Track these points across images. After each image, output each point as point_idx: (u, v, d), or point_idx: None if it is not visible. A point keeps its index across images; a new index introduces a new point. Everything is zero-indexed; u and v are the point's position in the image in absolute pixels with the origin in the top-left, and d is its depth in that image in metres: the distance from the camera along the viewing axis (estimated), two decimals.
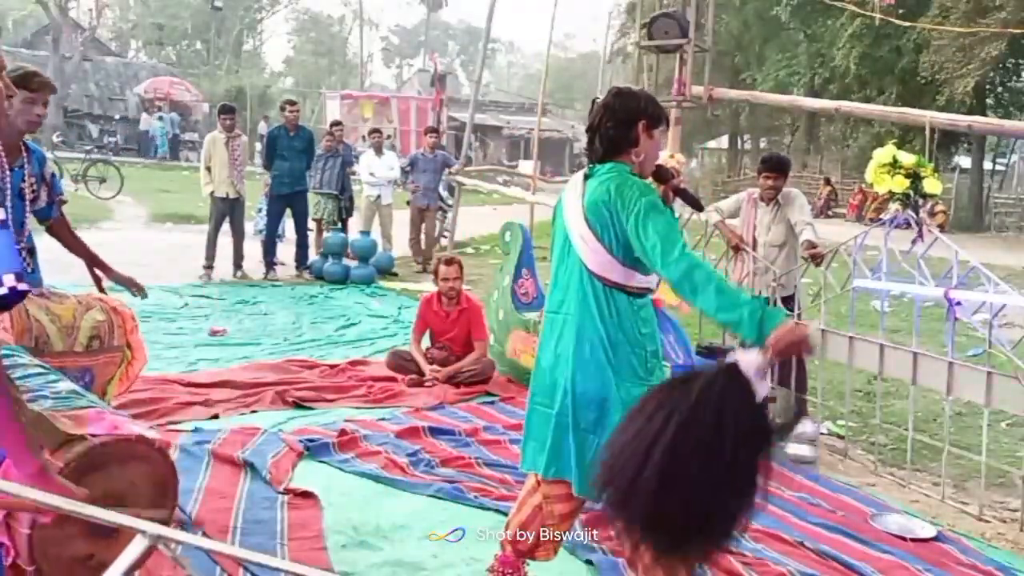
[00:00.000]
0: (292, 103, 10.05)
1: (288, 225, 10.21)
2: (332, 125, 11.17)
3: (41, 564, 2.10)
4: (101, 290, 3.55)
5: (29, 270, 3.32)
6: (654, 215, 2.38)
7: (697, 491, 2.08)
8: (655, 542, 2.21)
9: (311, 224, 10.38)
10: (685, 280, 2.29)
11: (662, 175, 2.73)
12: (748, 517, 2.21)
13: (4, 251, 1.67)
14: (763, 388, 2.15)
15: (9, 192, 3.20)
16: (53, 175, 3.53)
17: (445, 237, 11.86)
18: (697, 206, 2.75)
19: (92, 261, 3.57)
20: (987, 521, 3.99)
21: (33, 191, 3.33)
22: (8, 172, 3.20)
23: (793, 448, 4.72)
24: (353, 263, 9.80)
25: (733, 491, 2.13)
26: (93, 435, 2.19)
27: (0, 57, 2.00)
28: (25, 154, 3.31)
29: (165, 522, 2.29)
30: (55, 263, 3.62)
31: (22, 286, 1.65)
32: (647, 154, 2.54)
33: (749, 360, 2.16)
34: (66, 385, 2.46)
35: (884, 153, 4.38)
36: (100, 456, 2.18)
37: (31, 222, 3.40)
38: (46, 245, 3.58)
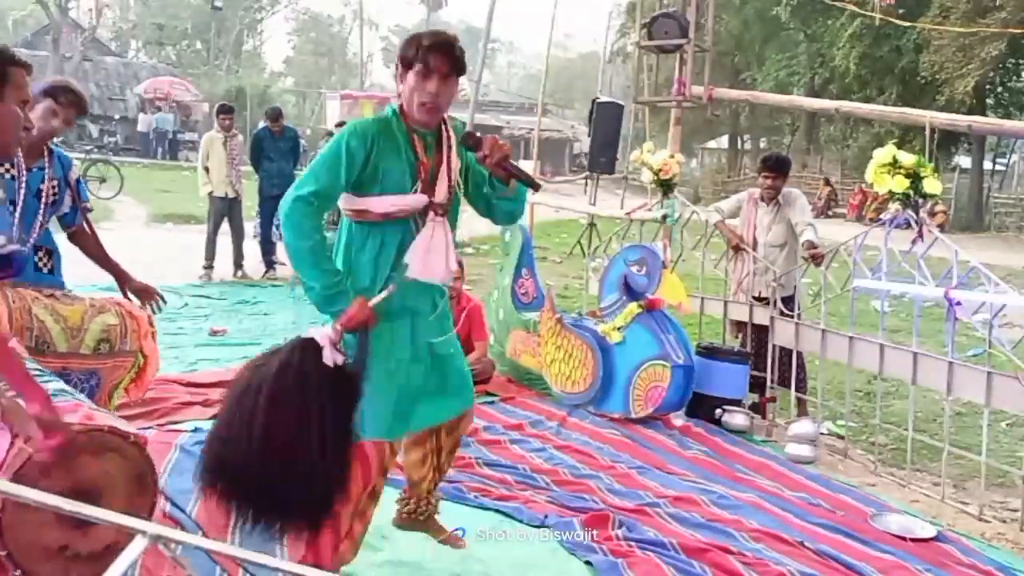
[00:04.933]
0: (274, 109, 10.01)
1: None
2: (337, 126, 11.13)
3: (12, 550, 2.05)
4: (125, 295, 3.53)
5: (46, 270, 3.34)
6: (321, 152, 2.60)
7: (294, 457, 2.36)
8: (264, 516, 2.43)
9: None
10: (286, 219, 2.53)
11: (472, 144, 2.59)
12: (344, 482, 2.48)
13: None
14: (335, 356, 2.45)
15: (23, 190, 3.22)
16: (79, 181, 3.54)
17: None
18: (532, 185, 2.58)
19: (113, 272, 3.55)
20: (987, 521, 3.98)
21: (55, 194, 3.35)
22: (25, 171, 3.23)
23: (793, 448, 4.72)
24: None
25: (327, 453, 2.40)
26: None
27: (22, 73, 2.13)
28: (47, 157, 3.34)
29: (146, 516, 2.30)
30: (78, 262, 3.60)
31: (11, 247, 1.74)
32: (404, 95, 2.58)
33: (322, 332, 2.48)
34: (55, 385, 2.46)
35: (884, 153, 4.38)
36: (71, 445, 2.16)
37: (54, 226, 3.41)
38: (70, 248, 3.58)
